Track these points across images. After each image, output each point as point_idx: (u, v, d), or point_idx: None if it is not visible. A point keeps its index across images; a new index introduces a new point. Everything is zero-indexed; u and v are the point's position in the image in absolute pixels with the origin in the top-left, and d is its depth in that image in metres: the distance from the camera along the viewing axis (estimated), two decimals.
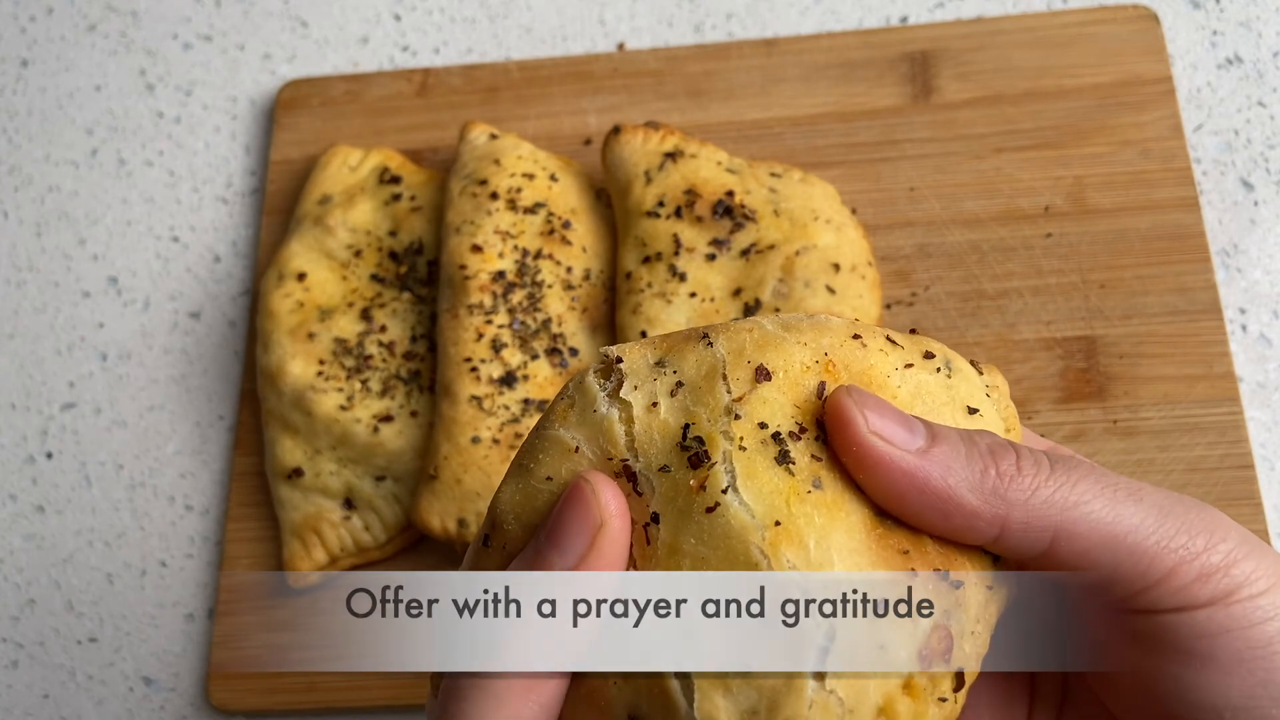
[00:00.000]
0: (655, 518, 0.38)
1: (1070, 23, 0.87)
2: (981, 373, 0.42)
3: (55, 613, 0.83)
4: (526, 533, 0.39)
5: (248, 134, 0.96)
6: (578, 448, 0.39)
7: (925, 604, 0.37)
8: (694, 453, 0.38)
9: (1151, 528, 0.36)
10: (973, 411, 0.41)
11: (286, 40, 0.98)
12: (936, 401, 0.40)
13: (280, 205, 0.90)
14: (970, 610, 0.38)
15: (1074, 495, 0.37)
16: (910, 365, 0.40)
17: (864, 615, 0.36)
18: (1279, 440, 0.76)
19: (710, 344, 0.39)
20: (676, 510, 0.37)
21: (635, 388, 0.39)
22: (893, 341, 0.41)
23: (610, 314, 0.79)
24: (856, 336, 0.40)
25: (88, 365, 0.90)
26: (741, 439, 0.38)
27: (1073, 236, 0.81)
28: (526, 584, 0.38)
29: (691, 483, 0.37)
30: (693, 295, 0.75)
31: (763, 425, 0.38)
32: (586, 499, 0.37)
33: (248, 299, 0.89)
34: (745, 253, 0.76)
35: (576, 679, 0.39)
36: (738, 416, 0.38)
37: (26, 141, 0.98)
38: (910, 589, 0.37)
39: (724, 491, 0.37)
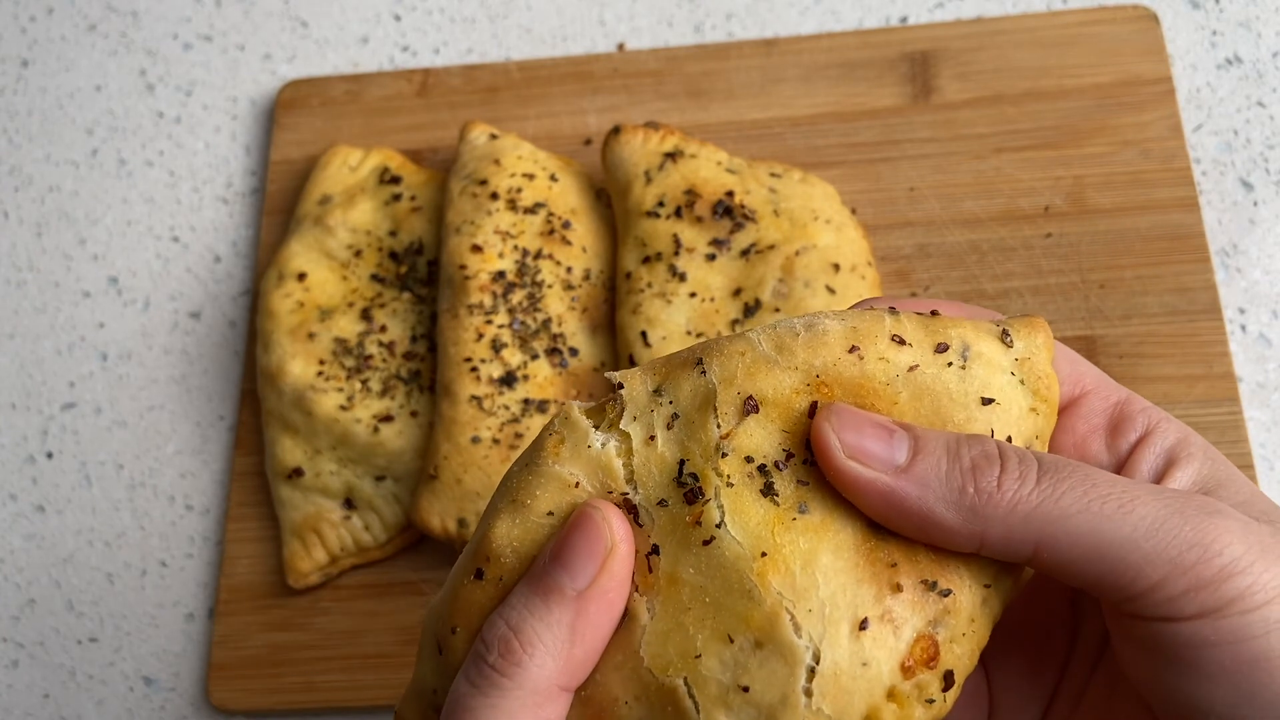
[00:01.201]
0: (656, 549, 0.39)
1: (1070, 23, 0.87)
2: (1013, 344, 0.41)
3: (55, 612, 0.83)
4: (525, 565, 0.40)
5: (248, 134, 0.96)
6: (578, 483, 0.40)
7: (907, 619, 0.38)
8: (689, 489, 0.39)
9: (1139, 540, 0.35)
10: (987, 402, 0.40)
11: (286, 40, 0.98)
12: (943, 400, 0.40)
13: (280, 205, 0.90)
14: (962, 614, 0.39)
15: (1056, 509, 0.36)
16: (915, 368, 0.40)
17: (847, 635, 0.38)
18: (1279, 440, 0.76)
19: (704, 372, 0.40)
20: (675, 542, 0.39)
21: (634, 418, 0.41)
22: (900, 341, 0.40)
23: (610, 314, 0.79)
24: (854, 349, 0.40)
25: (88, 365, 0.90)
26: (729, 476, 0.39)
27: (1073, 236, 0.81)
28: (540, 605, 0.39)
29: (688, 518, 0.39)
30: (693, 295, 0.75)
31: (749, 459, 0.39)
32: (597, 524, 0.39)
33: (248, 299, 0.90)
34: (745, 253, 0.76)
35: (584, 698, 0.40)
36: (724, 454, 0.39)
37: (27, 141, 0.98)
38: (889, 608, 0.38)
39: (717, 526, 0.39)
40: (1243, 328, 0.79)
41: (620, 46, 0.93)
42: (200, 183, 0.94)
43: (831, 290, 0.74)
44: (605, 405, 0.42)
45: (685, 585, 0.39)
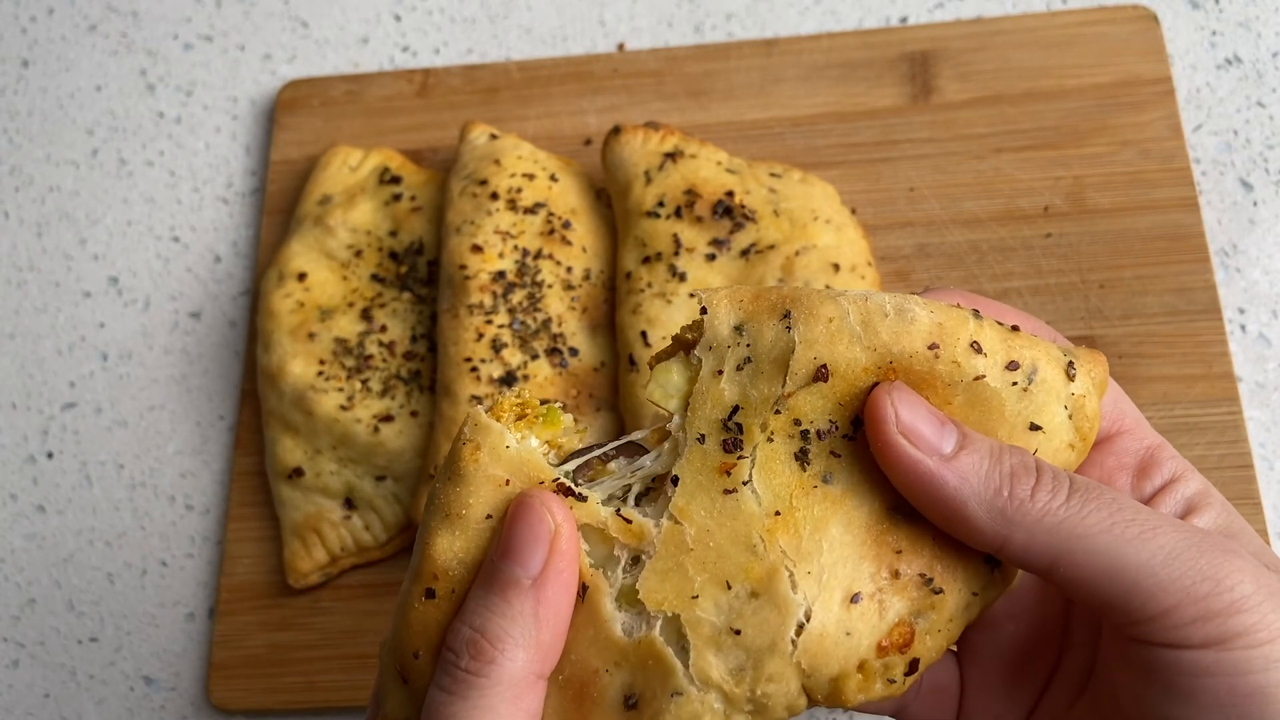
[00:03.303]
0: (675, 480, 0.41)
1: (1070, 23, 0.87)
2: (1075, 378, 0.42)
3: (56, 612, 0.83)
4: (472, 573, 0.41)
5: (248, 134, 0.96)
6: (508, 480, 0.41)
7: (894, 604, 0.41)
8: (731, 438, 0.41)
9: (1156, 567, 0.37)
10: (1034, 428, 0.42)
11: (287, 40, 0.98)
12: (995, 414, 0.41)
13: (280, 205, 0.91)
14: (944, 612, 0.41)
15: (1080, 528, 0.38)
16: (980, 378, 0.41)
17: (838, 603, 0.40)
18: (1278, 440, 0.76)
19: (789, 328, 0.41)
20: (698, 482, 0.41)
21: (710, 348, 0.42)
22: (977, 350, 0.41)
23: (610, 314, 0.79)
24: (934, 347, 0.41)
25: (88, 365, 0.90)
26: (772, 432, 0.41)
27: (1072, 236, 0.81)
28: (499, 602, 0.39)
29: (719, 464, 0.41)
30: (692, 295, 0.75)
31: (797, 422, 0.41)
32: (537, 509, 0.40)
33: (248, 299, 0.90)
34: (745, 253, 0.76)
35: (562, 681, 0.41)
36: (778, 412, 0.41)
37: (27, 142, 0.98)
38: (882, 589, 0.40)
39: (744, 483, 0.40)
40: (1242, 328, 0.79)
41: (620, 46, 0.93)
42: (200, 183, 0.94)
43: None
44: (541, 403, 0.43)
45: (692, 524, 0.40)
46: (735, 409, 0.41)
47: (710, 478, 0.41)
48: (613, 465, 0.43)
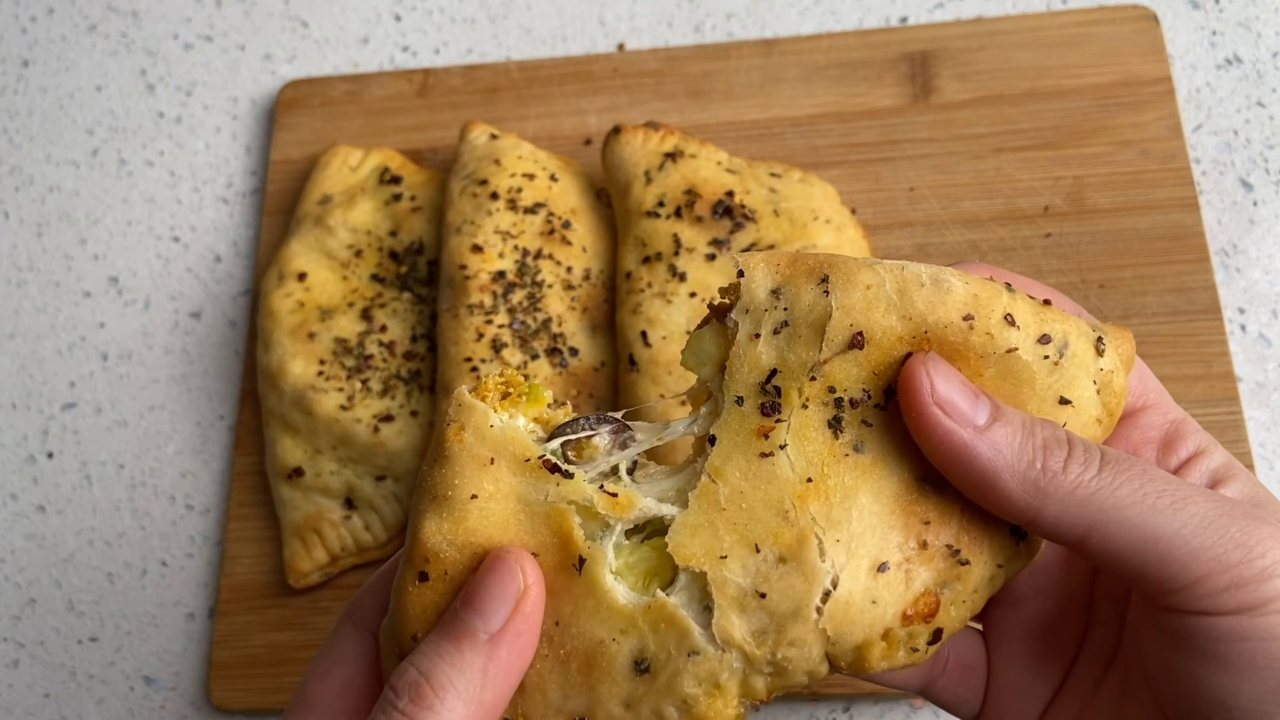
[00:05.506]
0: (712, 440, 0.41)
1: (1070, 23, 0.87)
2: (1104, 353, 0.43)
3: (56, 612, 0.83)
4: (464, 553, 0.41)
5: (248, 134, 0.96)
6: (492, 459, 0.41)
7: (921, 574, 0.41)
8: (770, 401, 0.41)
9: (1187, 537, 0.37)
10: (1064, 402, 0.42)
11: (287, 40, 0.98)
12: (1025, 388, 0.42)
13: (281, 205, 0.91)
14: (969, 583, 0.41)
15: (1112, 499, 0.38)
16: (1013, 350, 0.41)
17: (866, 571, 0.40)
18: (1278, 440, 0.76)
19: (826, 292, 0.41)
20: (734, 443, 0.41)
21: (746, 312, 0.42)
22: (1010, 322, 0.41)
23: (610, 314, 0.79)
24: (969, 318, 0.41)
25: (88, 365, 0.90)
26: (807, 399, 0.41)
27: (1072, 236, 0.81)
28: (451, 650, 0.39)
29: (756, 427, 0.41)
30: (693, 295, 0.75)
31: (831, 390, 0.41)
32: (510, 566, 0.39)
33: (248, 299, 0.90)
34: (745, 253, 0.76)
35: (564, 656, 0.41)
36: (814, 378, 0.41)
37: (27, 141, 0.98)
38: (909, 559, 0.41)
39: (781, 448, 0.41)
40: (1242, 328, 0.79)
41: (620, 46, 0.93)
42: (200, 183, 0.94)
43: None
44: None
45: (726, 484, 0.41)
46: (773, 372, 0.41)
47: (747, 440, 0.41)
48: (597, 440, 0.43)
